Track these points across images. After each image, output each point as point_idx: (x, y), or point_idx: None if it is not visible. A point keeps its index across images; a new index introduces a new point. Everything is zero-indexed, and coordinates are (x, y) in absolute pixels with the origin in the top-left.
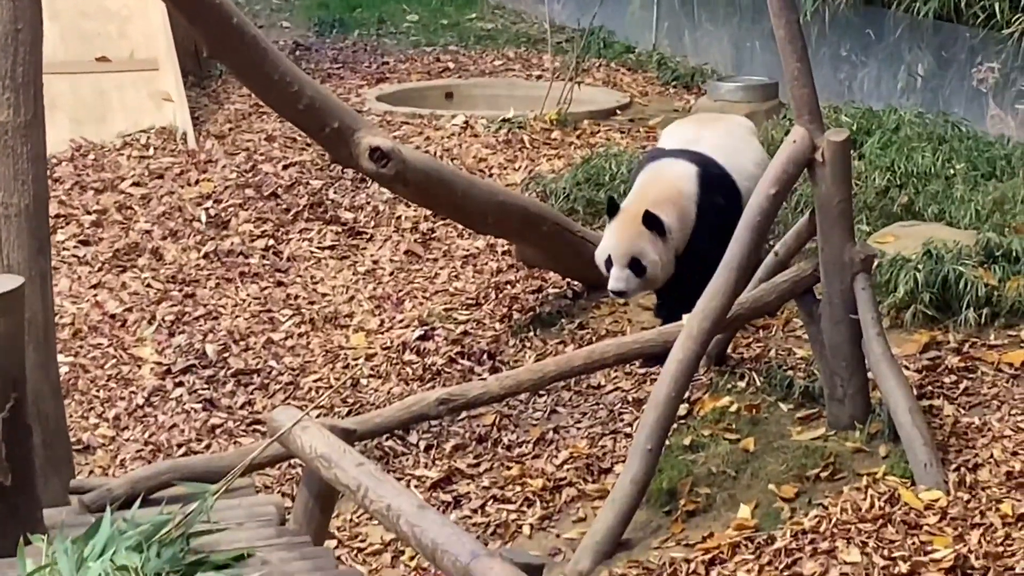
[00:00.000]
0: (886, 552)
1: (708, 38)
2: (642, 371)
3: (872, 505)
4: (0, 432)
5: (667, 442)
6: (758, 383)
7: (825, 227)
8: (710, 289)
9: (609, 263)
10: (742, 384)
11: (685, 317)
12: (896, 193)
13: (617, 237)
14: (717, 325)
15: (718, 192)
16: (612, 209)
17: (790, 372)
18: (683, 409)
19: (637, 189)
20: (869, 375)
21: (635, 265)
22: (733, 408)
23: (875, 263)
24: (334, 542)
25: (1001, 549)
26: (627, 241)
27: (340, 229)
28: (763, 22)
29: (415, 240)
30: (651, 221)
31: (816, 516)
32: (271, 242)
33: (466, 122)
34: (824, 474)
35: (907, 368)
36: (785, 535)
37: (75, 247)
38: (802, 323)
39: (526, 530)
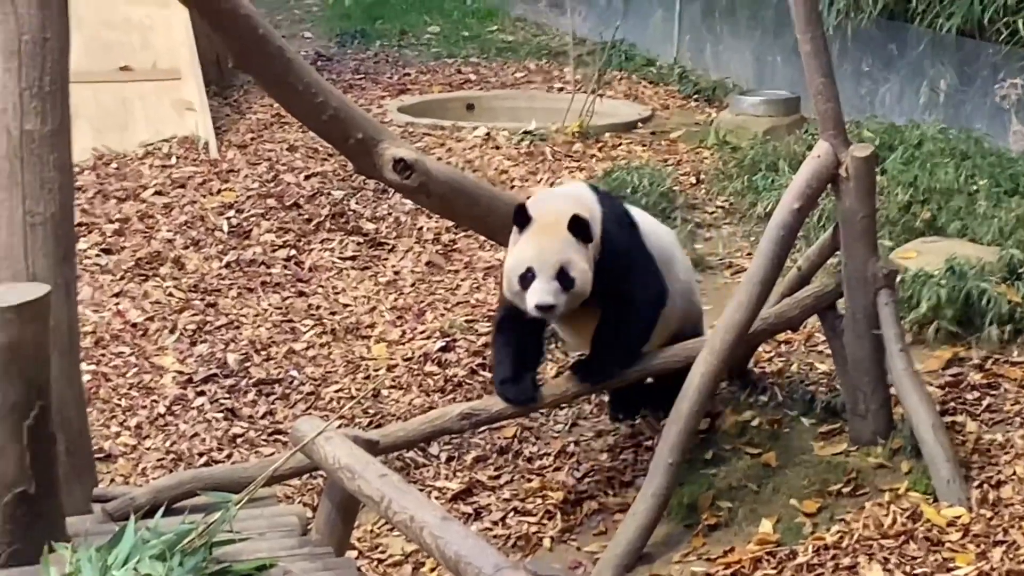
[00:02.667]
0: (908, 568)
1: (730, 52)
2: None
3: (894, 521)
4: (25, 439)
5: (689, 456)
6: (780, 398)
7: (848, 242)
8: (732, 303)
9: (526, 277)
10: (764, 398)
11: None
12: (919, 209)
13: (539, 246)
14: (740, 339)
15: (618, 211)
16: (522, 217)
17: (812, 387)
18: (705, 423)
19: (539, 207)
20: (892, 391)
21: (562, 276)
22: (755, 422)
23: (898, 278)
24: (355, 553)
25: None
26: (552, 249)
27: (362, 240)
28: (785, 36)
29: (437, 251)
30: (578, 226)
31: (838, 532)
32: (293, 252)
33: (488, 134)
34: (846, 489)
35: (930, 384)
36: (807, 550)
37: (97, 256)
38: (824, 338)
39: (547, 543)
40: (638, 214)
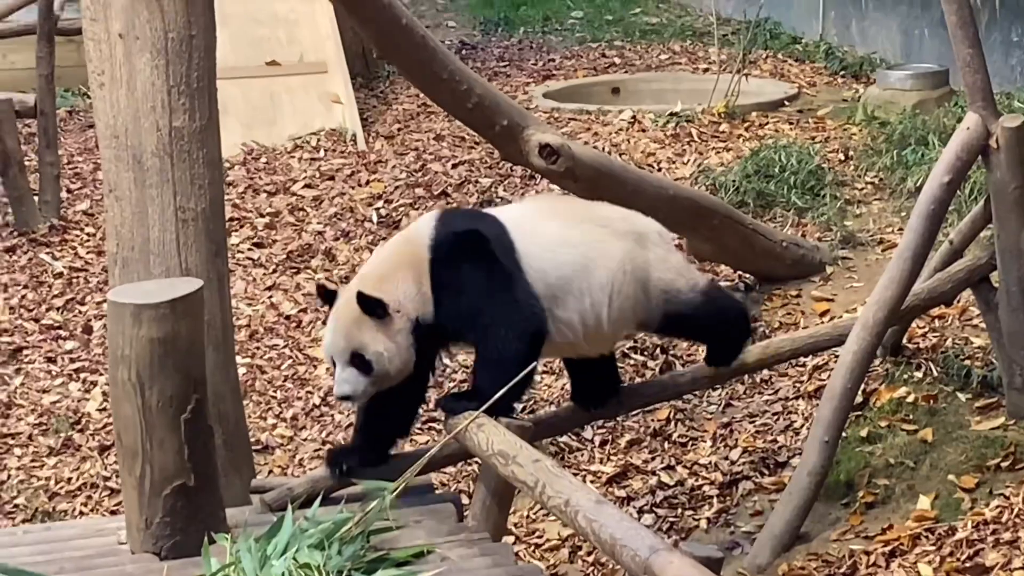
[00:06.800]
0: None
1: (876, 26)
2: (814, 363)
3: None
4: (183, 433)
5: (844, 434)
6: (935, 373)
7: (1001, 214)
8: (884, 279)
9: (332, 363)
10: (919, 374)
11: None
12: None
13: (333, 331)
14: (892, 315)
15: (461, 224)
16: (327, 296)
17: (967, 361)
18: (859, 400)
19: (368, 262)
20: None
21: (358, 361)
22: (910, 399)
23: None
24: (512, 538)
25: None
26: (344, 334)
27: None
28: (931, 9)
29: None
30: (367, 304)
31: (998, 506)
32: None
33: (633, 117)
34: (1005, 464)
35: None
36: (966, 526)
37: (249, 250)
38: (979, 312)
39: (703, 524)
40: (530, 231)
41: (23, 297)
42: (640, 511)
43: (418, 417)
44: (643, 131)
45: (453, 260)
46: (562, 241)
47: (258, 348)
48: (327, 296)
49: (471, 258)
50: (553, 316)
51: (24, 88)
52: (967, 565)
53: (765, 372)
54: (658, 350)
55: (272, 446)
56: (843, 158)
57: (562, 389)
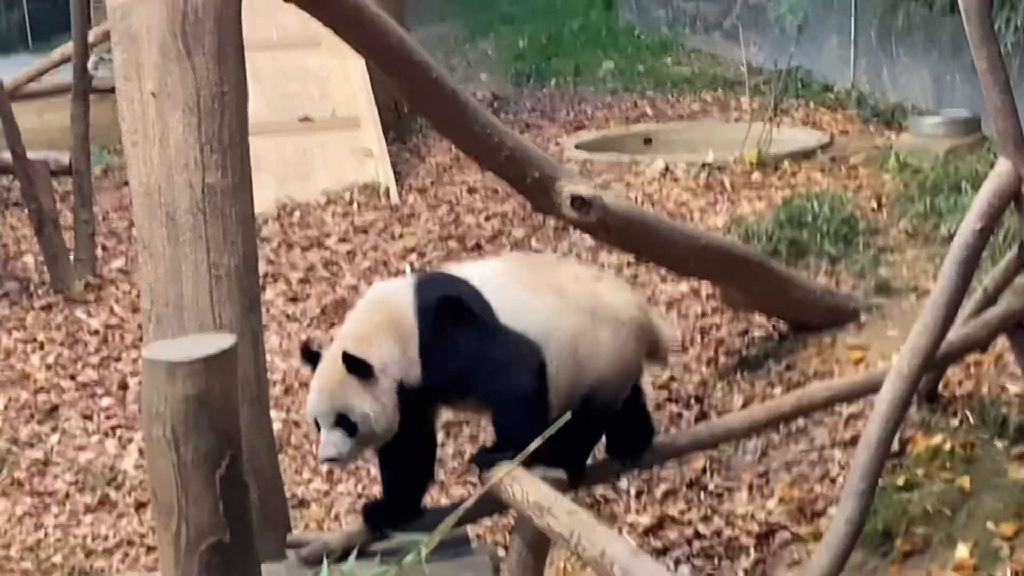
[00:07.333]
0: None
1: (907, 73)
2: (849, 411)
3: None
4: (218, 489)
5: (880, 482)
6: (971, 420)
7: None
8: (918, 327)
9: (316, 424)
10: (955, 422)
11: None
12: None
13: (317, 391)
14: (927, 362)
15: (442, 289)
16: (310, 357)
17: (1004, 408)
18: (895, 448)
19: (346, 322)
20: None
21: (344, 423)
22: (947, 446)
23: None
24: None
25: None
26: (328, 396)
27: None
28: (962, 55)
29: None
30: (352, 365)
31: None
32: None
33: (666, 167)
34: None
35: None
36: (1006, 574)
37: (284, 304)
38: (1014, 358)
39: (740, 575)
40: (496, 289)
41: (59, 355)
42: (676, 562)
43: (444, 465)
44: (675, 181)
45: (441, 327)
46: (525, 305)
47: (293, 402)
48: (310, 357)
49: (458, 323)
50: None
51: (59, 147)
52: None
53: (801, 421)
54: (693, 400)
55: (308, 500)
56: (876, 206)
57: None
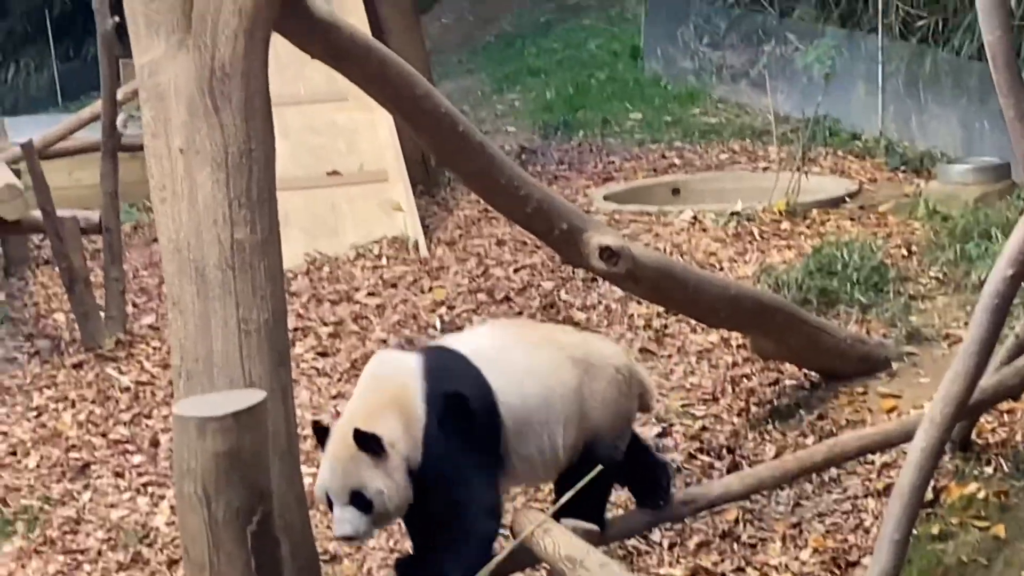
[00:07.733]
0: None
1: (935, 121)
2: (882, 460)
3: None
4: (250, 546)
5: (915, 532)
6: (1005, 468)
7: None
8: (950, 374)
9: (329, 502)
10: (989, 470)
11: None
12: None
13: (330, 468)
14: (960, 410)
15: (451, 381)
16: (320, 434)
17: None
18: (929, 497)
19: (353, 397)
20: None
21: (358, 500)
22: (981, 495)
23: None
24: None
25: None
26: (342, 473)
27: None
28: (991, 102)
29: (648, 337)
30: (364, 441)
31: None
32: None
33: (694, 217)
34: None
35: None
36: None
37: (314, 359)
38: None
39: None
40: (500, 362)
41: (90, 412)
42: None
43: None
44: (704, 231)
45: (446, 425)
46: (527, 370)
47: None
48: (320, 434)
49: (459, 428)
50: (516, 454)
51: (89, 204)
52: None
53: (833, 470)
54: (724, 450)
55: (339, 556)
56: (906, 253)
57: (627, 490)
